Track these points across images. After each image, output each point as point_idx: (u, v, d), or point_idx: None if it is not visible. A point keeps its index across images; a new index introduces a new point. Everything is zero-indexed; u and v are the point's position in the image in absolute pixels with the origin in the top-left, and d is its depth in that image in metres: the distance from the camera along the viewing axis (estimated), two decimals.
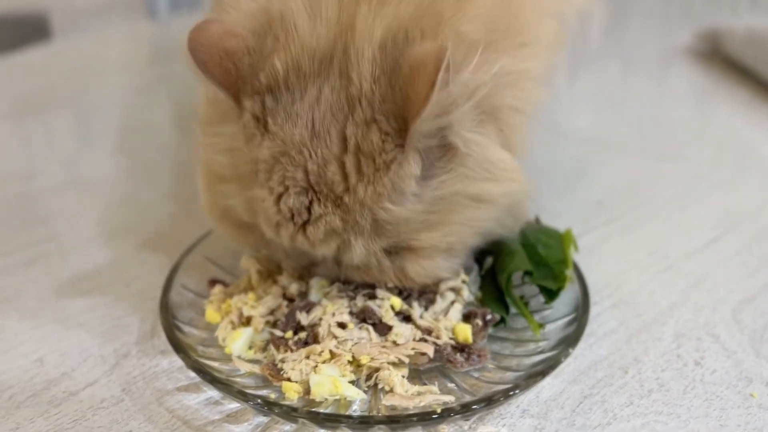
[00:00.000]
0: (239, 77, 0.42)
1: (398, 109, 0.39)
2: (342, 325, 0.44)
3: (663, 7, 1.37)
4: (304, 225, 0.42)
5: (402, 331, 0.44)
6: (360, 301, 0.46)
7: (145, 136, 0.84)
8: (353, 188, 0.40)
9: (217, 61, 0.41)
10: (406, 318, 0.45)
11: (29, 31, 1.50)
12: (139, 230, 0.62)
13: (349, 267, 0.45)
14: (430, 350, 0.43)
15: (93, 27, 1.61)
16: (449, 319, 0.45)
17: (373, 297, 0.46)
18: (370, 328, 0.44)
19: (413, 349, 0.43)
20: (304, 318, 0.45)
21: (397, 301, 0.45)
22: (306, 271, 0.48)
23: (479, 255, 0.51)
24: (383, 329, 0.44)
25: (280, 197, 0.41)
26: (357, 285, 0.47)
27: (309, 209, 0.41)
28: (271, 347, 0.44)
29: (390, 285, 0.46)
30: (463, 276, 0.48)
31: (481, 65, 0.39)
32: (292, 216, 0.42)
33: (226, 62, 0.41)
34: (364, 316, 0.45)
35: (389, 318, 0.44)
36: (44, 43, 1.34)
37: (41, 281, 0.55)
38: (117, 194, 0.69)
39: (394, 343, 0.43)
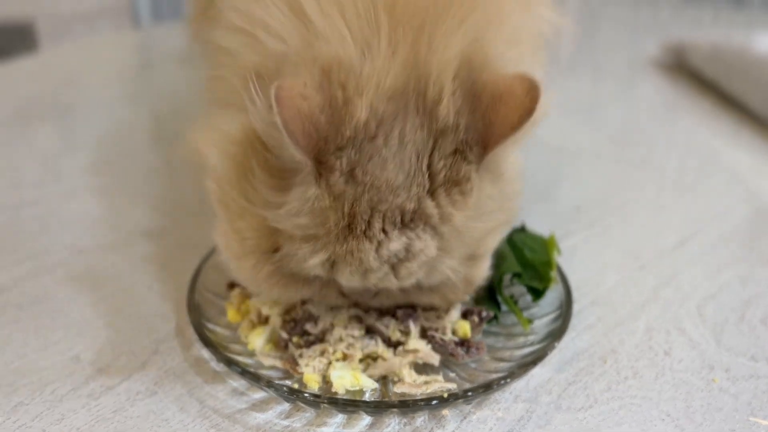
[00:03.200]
0: (320, 138, 0.40)
1: (479, 136, 0.42)
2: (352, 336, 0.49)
3: (631, 20, 1.43)
4: (397, 264, 0.43)
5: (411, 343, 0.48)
6: (369, 320, 0.50)
7: (133, 144, 0.88)
8: (448, 217, 0.42)
9: (300, 127, 0.39)
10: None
11: (16, 38, 1.52)
12: (152, 236, 0.66)
13: (414, 292, 0.48)
14: (435, 360, 0.48)
15: (78, 33, 1.63)
16: (450, 317, 0.50)
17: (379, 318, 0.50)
18: (379, 339, 0.49)
19: (420, 358, 0.48)
20: (311, 327, 0.49)
21: (397, 334, 0.49)
22: (365, 304, 0.50)
23: None
24: (391, 342, 0.49)
25: (380, 244, 0.42)
26: (366, 310, 0.50)
27: (407, 248, 0.42)
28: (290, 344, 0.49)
29: (455, 297, 0.49)
30: None
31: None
32: (388, 258, 0.43)
33: (307, 126, 0.40)
34: (372, 333, 0.49)
35: (396, 336, 0.49)
36: (31, 51, 1.36)
37: (67, 284, 0.59)
38: (118, 202, 0.73)
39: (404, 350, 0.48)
